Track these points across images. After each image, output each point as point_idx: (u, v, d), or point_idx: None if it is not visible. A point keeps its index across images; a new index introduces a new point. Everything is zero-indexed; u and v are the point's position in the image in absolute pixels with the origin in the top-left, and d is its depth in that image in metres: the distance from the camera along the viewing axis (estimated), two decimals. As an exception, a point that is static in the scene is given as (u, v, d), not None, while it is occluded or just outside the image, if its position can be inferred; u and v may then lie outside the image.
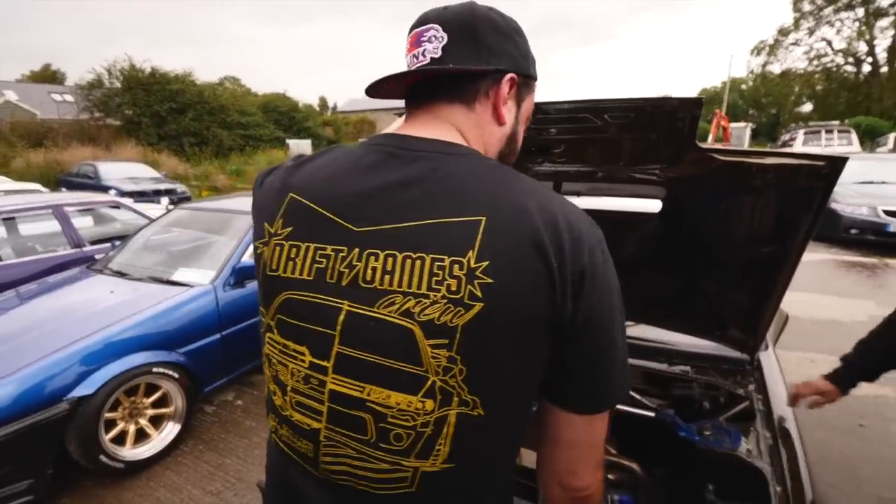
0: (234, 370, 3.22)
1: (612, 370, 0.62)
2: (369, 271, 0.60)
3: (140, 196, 10.34)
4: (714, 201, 1.27)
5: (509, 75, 0.67)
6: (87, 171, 12.09)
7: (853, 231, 6.79)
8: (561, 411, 0.63)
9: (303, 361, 0.63)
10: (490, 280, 0.55)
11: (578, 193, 1.47)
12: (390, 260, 0.59)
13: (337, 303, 0.61)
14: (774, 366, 1.72)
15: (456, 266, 0.56)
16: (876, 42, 26.88)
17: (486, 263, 0.56)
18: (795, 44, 29.68)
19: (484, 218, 0.57)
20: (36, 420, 2.15)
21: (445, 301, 0.56)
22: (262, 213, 0.70)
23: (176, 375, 2.73)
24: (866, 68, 27.67)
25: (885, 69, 26.69)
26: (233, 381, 3.27)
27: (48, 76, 35.34)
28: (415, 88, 0.70)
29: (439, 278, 0.57)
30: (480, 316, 0.55)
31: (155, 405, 2.73)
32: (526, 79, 0.71)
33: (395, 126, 0.80)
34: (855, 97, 27.43)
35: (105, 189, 10.58)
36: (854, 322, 4.35)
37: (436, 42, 0.65)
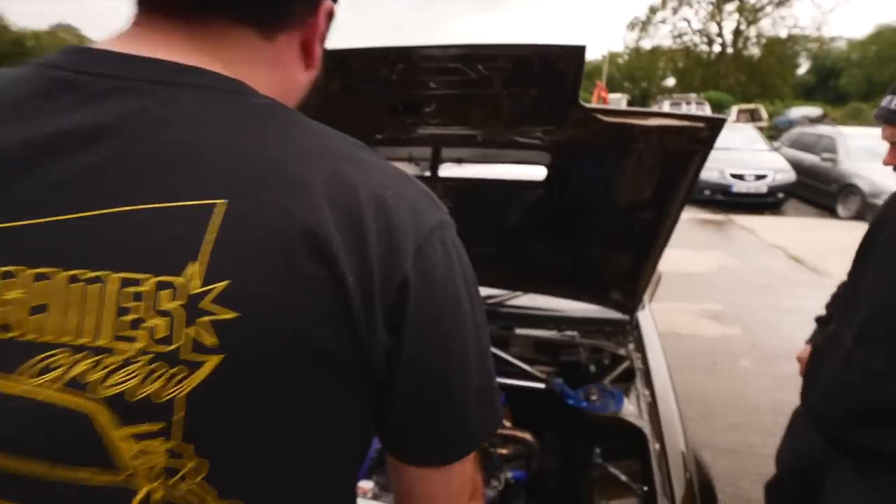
0: None
1: (465, 410, 0.43)
2: (2, 308, 0.33)
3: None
4: (597, 167, 1.23)
5: (329, 2, 0.46)
6: None
7: (706, 192, 7.77)
8: (406, 465, 0.45)
9: None
10: (232, 313, 0.33)
11: (460, 161, 1.35)
12: (41, 285, 0.33)
13: None
14: (651, 323, 1.81)
15: (165, 292, 0.33)
16: (723, 24, 30.70)
17: (222, 285, 0.33)
18: (663, 22, 32.71)
19: (222, 203, 0.34)
20: None
21: (149, 358, 0.32)
22: None
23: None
24: (717, 48, 31.56)
25: (730, 50, 30.68)
26: None
27: None
28: None
29: (136, 317, 0.33)
30: (218, 376, 0.33)
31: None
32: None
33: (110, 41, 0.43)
34: (707, 73, 31.23)
35: None
36: (708, 272, 4.98)
37: None
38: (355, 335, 0.36)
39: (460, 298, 0.42)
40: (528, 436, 1.55)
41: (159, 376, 0.32)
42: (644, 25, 33.61)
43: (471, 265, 0.45)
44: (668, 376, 1.51)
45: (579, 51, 0.91)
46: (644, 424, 1.30)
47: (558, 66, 0.92)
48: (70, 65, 0.37)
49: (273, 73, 0.44)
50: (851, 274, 1.25)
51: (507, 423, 1.63)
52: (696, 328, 3.66)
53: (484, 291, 1.94)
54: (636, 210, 1.30)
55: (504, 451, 1.47)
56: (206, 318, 0.33)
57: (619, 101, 23.37)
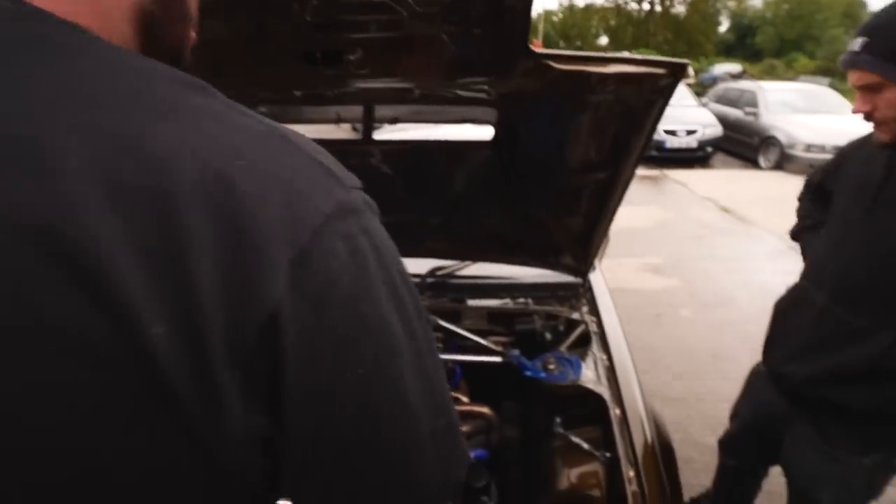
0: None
1: (419, 471, 0.31)
2: None
3: None
4: (549, 123, 1.13)
5: None
6: None
7: (641, 148, 8.00)
8: None
9: None
10: None
11: (395, 120, 1.19)
12: None
13: None
14: (603, 285, 1.79)
15: None
16: (652, -18, 31.27)
17: None
18: (596, -20, 32.85)
19: None
20: None
21: None
22: None
23: None
24: (646, 6, 32.20)
25: (658, 8, 31.41)
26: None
27: None
28: None
29: None
30: None
31: None
32: None
33: None
34: (638, 32, 31.94)
35: None
36: (646, 226, 5.16)
37: None
38: (185, 431, 0.21)
39: (385, 320, 0.28)
40: (486, 409, 1.49)
41: None
42: (577, -17, 33.60)
43: (400, 262, 0.31)
44: (623, 338, 1.49)
45: None
46: (603, 390, 1.27)
47: (505, 0, 0.79)
48: None
49: None
50: (825, 232, 1.19)
51: (465, 399, 1.57)
52: (640, 282, 3.79)
53: (432, 263, 1.85)
54: (590, 170, 1.22)
55: (463, 429, 1.41)
56: None
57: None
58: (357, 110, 1.21)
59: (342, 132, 1.27)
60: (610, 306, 1.67)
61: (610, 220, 1.36)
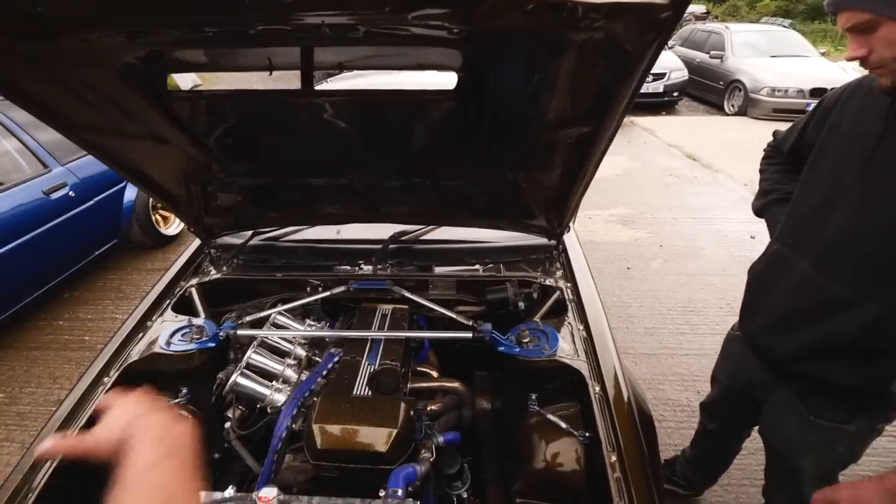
0: None
1: None
2: None
3: None
4: (522, 69, 0.95)
5: None
6: None
7: (609, 94, 7.81)
8: None
9: None
10: None
11: (340, 67, 0.99)
12: None
13: None
14: (577, 247, 1.69)
15: None
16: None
17: None
18: None
19: None
20: None
21: None
22: None
23: None
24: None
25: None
26: None
27: None
28: None
29: None
30: None
31: None
32: None
33: None
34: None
35: None
36: (614, 175, 5.10)
37: None
38: None
39: None
40: (457, 384, 1.41)
41: None
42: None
43: None
44: (601, 306, 1.40)
45: None
46: (581, 365, 1.19)
47: None
48: None
49: None
50: (797, 195, 1.10)
51: (434, 374, 1.47)
52: (609, 234, 3.76)
53: (395, 228, 1.69)
54: (569, 123, 1.06)
55: (434, 407, 1.32)
56: None
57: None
58: (293, 55, 0.99)
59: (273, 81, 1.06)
60: (585, 270, 1.57)
61: (590, 178, 1.22)
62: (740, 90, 7.55)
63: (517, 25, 0.81)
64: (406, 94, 1.08)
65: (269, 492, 0.90)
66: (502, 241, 1.69)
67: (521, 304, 1.47)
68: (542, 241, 1.61)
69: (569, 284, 1.50)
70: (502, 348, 1.26)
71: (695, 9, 18.88)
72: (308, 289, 1.58)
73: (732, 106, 7.74)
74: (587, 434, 1.11)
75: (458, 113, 1.10)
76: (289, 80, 1.13)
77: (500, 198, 1.43)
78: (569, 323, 1.34)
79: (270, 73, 1.01)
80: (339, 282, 1.52)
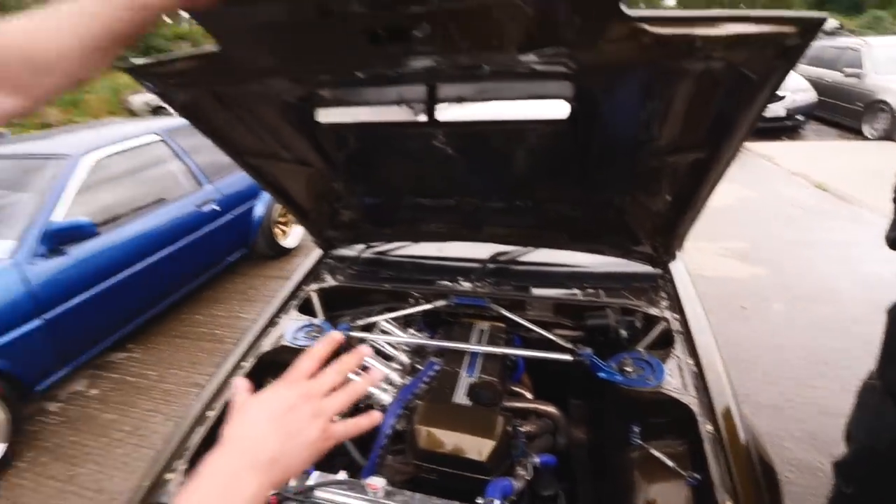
0: (80, 356, 2.59)
1: None
2: None
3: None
4: (637, 97, 0.97)
5: None
6: None
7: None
8: None
9: None
10: None
11: (460, 99, 1.08)
12: None
13: None
14: (686, 277, 1.60)
15: None
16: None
17: None
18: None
19: None
20: None
21: None
22: None
23: (-21, 384, 2.08)
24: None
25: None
26: (83, 367, 2.65)
27: None
28: None
29: None
30: None
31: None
32: None
33: None
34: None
35: None
36: (727, 205, 4.71)
37: None
38: None
39: None
40: (552, 408, 1.40)
41: None
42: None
43: None
44: (713, 341, 1.32)
45: None
46: (691, 400, 1.13)
47: None
48: None
49: None
50: None
51: (528, 395, 1.48)
52: (722, 269, 3.46)
53: (494, 248, 1.75)
54: (682, 150, 1.05)
55: (528, 429, 1.33)
56: None
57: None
58: (419, 90, 1.11)
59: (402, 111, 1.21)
60: (695, 301, 1.49)
61: (702, 205, 1.19)
62: (885, 111, 6.61)
63: (634, 59, 0.84)
64: (520, 123, 1.14)
65: (378, 481, 0.98)
66: (602, 267, 1.67)
67: (623, 332, 1.44)
68: (646, 268, 1.56)
69: (676, 315, 1.43)
70: (603, 374, 1.24)
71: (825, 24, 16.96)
72: (411, 300, 1.69)
73: (874, 129, 6.78)
74: (696, 476, 1.04)
75: (567, 139, 1.14)
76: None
77: (603, 222, 1.43)
78: (676, 356, 1.28)
79: (400, 106, 1.14)
80: (440, 295, 1.61)
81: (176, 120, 3.58)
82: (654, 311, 1.45)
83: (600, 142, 1.13)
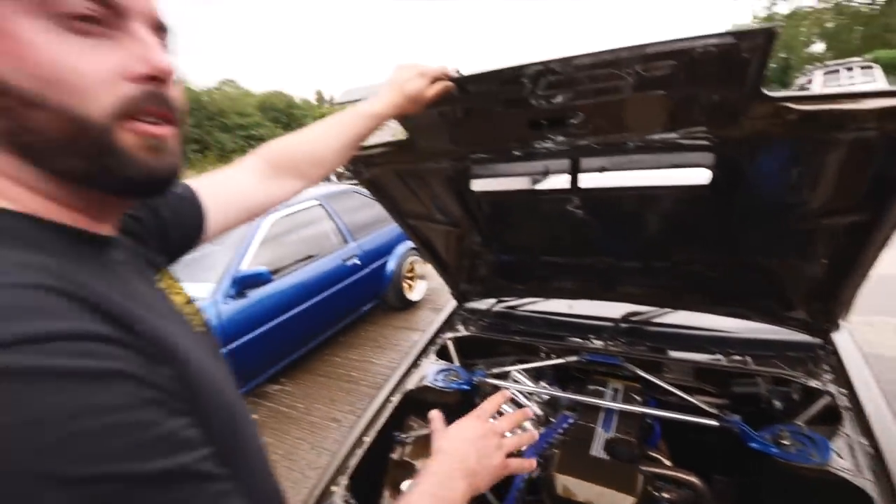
0: (245, 384, 3.06)
1: None
2: None
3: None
4: (783, 165, 1.00)
5: None
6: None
7: None
8: None
9: None
10: None
11: (602, 169, 1.21)
12: None
13: None
14: (854, 349, 1.45)
15: None
16: (891, -31, 25.21)
17: None
18: (802, -18, 28.07)
19: None
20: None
21: None
22: None
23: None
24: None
25: (902, -3, 25.08)
26: (246, 395, 3.12)
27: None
28: None
29: None
30: None
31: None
32: None
33: None
34: (870, 30, 25.92)
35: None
36: (904, 274, 3.99)
37: None
38: None
39: None
40: (694, 479, 1.32)
41: None
42: (778, -11, 29.16)
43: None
44: (892, 423, 1.17)
45: (767, 35, 0.73)
46: (867, 484, 1.02)
47: (736, 57, 0.76)
48: None
49: None
50: None
51: (667, 462, 1.42)
52: (900, 347, 2.93)
53: (624, 308, 1.75)
54: (836, 213, 1.04)
55: (669, 496, 1.27)
56: None
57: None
58: (564, 162, 1.26)
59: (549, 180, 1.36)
60: (867, 378, 1.34)
61: (867, 270, 1.12)
62: None
63: (779, 134, 0.89)
64: (660, 189, 1.22)
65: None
66: (749, 333, 1.58)
67: (777, 403, 1.34)
68: (803, 337, 1.45)
69: (843, 390, 1.30)
70: (755, 444, 1.17)
71: None
72: (542, 354, 1.76)
73: None
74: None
75: (707, 202, 1.19)
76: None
77: (749, 285, 1.39)
78: (846, 434, 1.16)
79: (545, 176, 1.31)
80: (571, 351, 1.65)
81: (330, 186, 4.26)
82: (814, 383, 1.33)
83: (744, 205, 1.15)
